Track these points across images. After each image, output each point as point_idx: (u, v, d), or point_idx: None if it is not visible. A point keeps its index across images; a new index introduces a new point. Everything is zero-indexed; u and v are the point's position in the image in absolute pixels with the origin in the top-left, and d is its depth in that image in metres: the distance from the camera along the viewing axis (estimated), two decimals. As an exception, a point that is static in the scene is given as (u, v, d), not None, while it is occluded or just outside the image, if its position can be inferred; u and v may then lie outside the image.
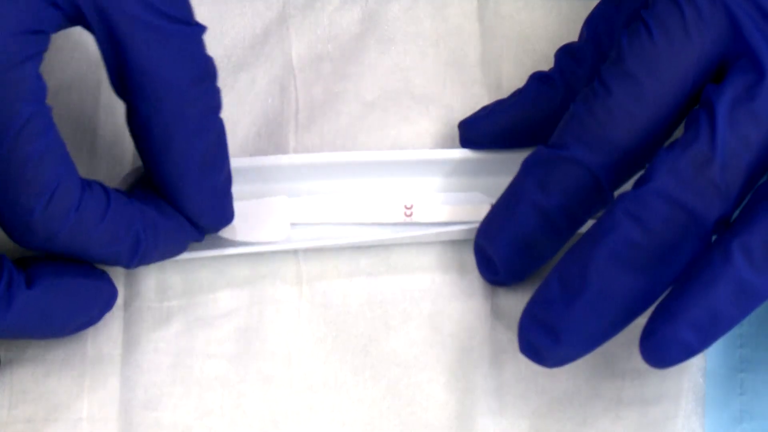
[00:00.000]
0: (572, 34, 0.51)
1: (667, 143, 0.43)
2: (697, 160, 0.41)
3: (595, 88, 0.44)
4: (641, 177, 0.42)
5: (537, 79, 0.48)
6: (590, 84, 0.44)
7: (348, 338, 0.48)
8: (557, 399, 0.47)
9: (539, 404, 0.47)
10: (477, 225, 0.48)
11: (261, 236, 0.48)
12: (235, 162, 0.48)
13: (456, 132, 0.50)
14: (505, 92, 0.50)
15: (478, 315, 0.48)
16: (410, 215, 0.49)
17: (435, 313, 0.48)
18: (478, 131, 0.48)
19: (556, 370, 0.47)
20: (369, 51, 0.51)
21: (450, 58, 0.51)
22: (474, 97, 0.51)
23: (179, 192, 0.44)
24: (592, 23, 0.47)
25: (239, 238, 0.48)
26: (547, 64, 0.50)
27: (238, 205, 0.48)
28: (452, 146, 0.50)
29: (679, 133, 0.43)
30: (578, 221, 0.45)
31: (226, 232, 0.48)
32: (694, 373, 0.47)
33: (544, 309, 0.42)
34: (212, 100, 0.43)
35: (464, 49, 0.51)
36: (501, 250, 0.46)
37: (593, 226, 0.42)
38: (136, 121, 0.42)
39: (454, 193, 0.49)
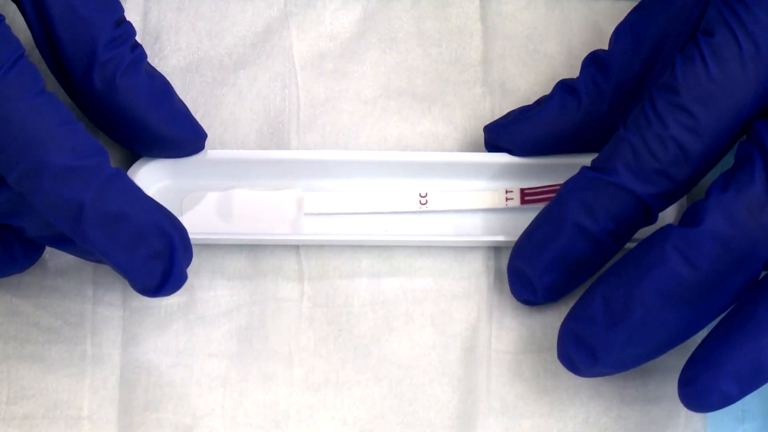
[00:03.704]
0: (574, 34, 0.51)
1: (715, 173, 0.44)
2: (752, 204, 0.41)
3: (649, 117, 0.43)
4: (692, 214, 0.42)
5: (562, 88, 0.48)
6: (641, 108, 0.44)
7: (350, 338, 0.48)
8: (559, 398, 0.47)
9: (541, 403, 0.47)
10: (478, 237, 0.48)
11: (273, 228, 0.48)
12: (248, 154, 0.48)
13: (457, 131, 0.50)
14: (507, 92, 0.50)
15: (479, 315, 0.48)
16: (425, 203, 0.49)
17: (437, 313, 0.48)
18: (503, 137, 0.48)
19: (558, 370, 0.47)
20: (371, 50, 0.51)
21: (452, 57, 0.51)
22: (476, 96, 0.51)
23: (142, 121, 0.45)
24: (621, 33, 0.47)
25: (250, 229, 0.48)
26: (548, 63, 0.51)
27: (250, 195, 0.48)
28: (453, 145, 0.50)
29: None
30: (622, 243, 0.45)
31: (235, 223, 0.48)
32: (696, 373, 0.48)
33: (585, 327, 0.43)
34: (133, 34, 0.45)
35: (466, 49, 0.51)
36: (541, 271, 0.45)
37: (640, 253, 0.42)
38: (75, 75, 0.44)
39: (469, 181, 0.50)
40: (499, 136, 0.48)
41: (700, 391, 0.41)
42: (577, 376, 0.47)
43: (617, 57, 0.47)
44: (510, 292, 0.48)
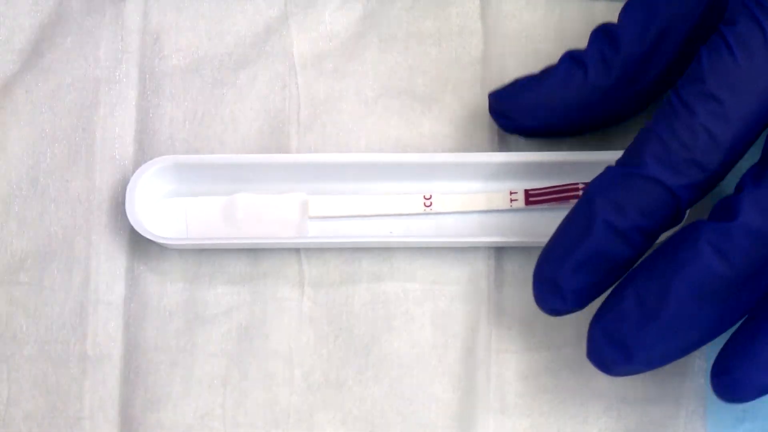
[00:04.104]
0: (574, 33, 0.51)
1: (745, 166, 0.43)
2: None
3: (676, 108, 0.43)
4: (724, 209, 0.42)
5: (569, 59, 0.47)
6: (667, 100, 0.43)
7: (350, 338, 0.48)
8: (559, 397, 0.47)
9: (541, 403, 0.47)
10: (481, 238, 0.48)
11: (277, 231, 0.48)
12: (252, 158, 0.48)
13: (457, 131, 0.50)
14: (507, 92, 0.51)
15: (479, 315, 0.48)
16: (430, 205, 0.49)
17: (437, 313, 0.48)
18: (508, 104, 0.48)
19: (557, 369, 0.47)
20: (371, 49, 0.51)
21: (452, 57, 0.51)
22: (476, 96, 0.51)
23: None
24: (632, 8, 0.47)
25: (254, 232, 0.48)
26: (548, 63, 0.50)
27: (255, 199, 0.48)
28: (453, 145, 0.50)
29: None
30: (653, 240, 0.44)
31: (240, 227, 0.48)
32: (696, 373, 0.48)
33: (618, 325, 0.42)
34: None
35: (466, 48, 0.51)
36: (570, 273, 0.43)
37: (671, 249, 0.42)
38: None
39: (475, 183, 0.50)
40: (504, 103, 0.48)
41: (734, 382, 0.41)
42: (578, 375, 0.47)
43: (628, 30, 0.46)
44: (508, 294, 0.48)
